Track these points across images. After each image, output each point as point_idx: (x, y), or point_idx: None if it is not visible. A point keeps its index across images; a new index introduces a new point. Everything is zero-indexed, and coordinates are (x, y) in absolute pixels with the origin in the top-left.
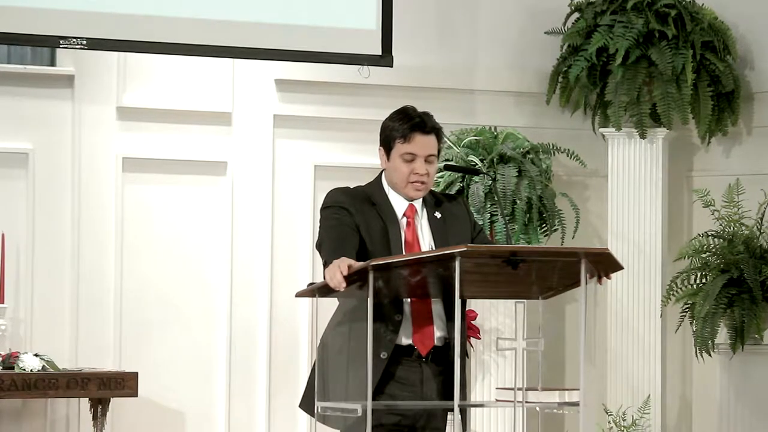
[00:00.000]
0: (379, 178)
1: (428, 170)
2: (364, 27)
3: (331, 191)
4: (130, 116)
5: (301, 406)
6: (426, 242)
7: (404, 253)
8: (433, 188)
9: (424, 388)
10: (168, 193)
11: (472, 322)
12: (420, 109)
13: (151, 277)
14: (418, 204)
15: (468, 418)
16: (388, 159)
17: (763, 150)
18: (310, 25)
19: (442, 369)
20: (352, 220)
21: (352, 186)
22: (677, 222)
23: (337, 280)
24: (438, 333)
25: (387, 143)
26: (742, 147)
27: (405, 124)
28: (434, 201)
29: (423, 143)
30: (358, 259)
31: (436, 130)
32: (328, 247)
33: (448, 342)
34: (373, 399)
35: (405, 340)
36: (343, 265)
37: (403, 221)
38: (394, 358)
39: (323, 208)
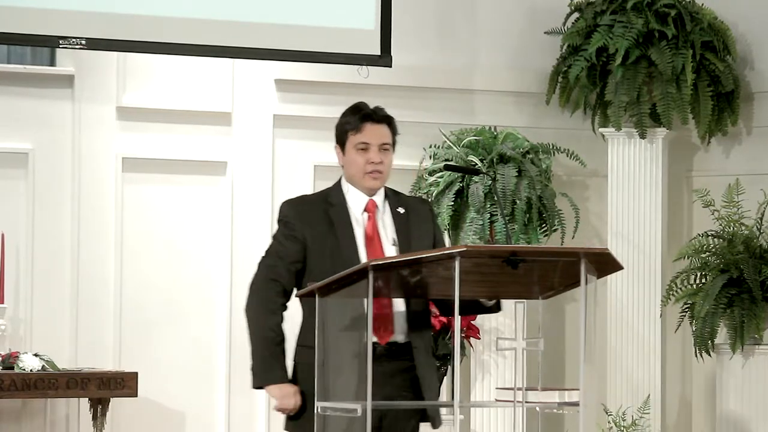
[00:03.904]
0: (339, 178)
1: (383, 159)
2: (363, 27)
3: (281, 204)
4: (130, 116)
5: (287, 427)
6: (389, 237)
7: (363, 249)
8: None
9: (386, 385)
10: (168, 193)
11: (471, 322)
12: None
13: (151, 277)
14: (379, 199)
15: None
16: (343, 154)
17: (762, 150)
18: (310, 25)
19: (407, 367)
20: (294, 237)
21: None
22: (677, 222)
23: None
24: (398, 330)
25: (341, 139)
26: (741, 147)
27: (355, 116)
28: (397, 198)
29: (375, 132)
30: (302, 268)
31: (387, 120)
32: (256, 287)
33: (409, 342)
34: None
35: (369, 335)
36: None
37: (364, 216)
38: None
39: (277, 221)
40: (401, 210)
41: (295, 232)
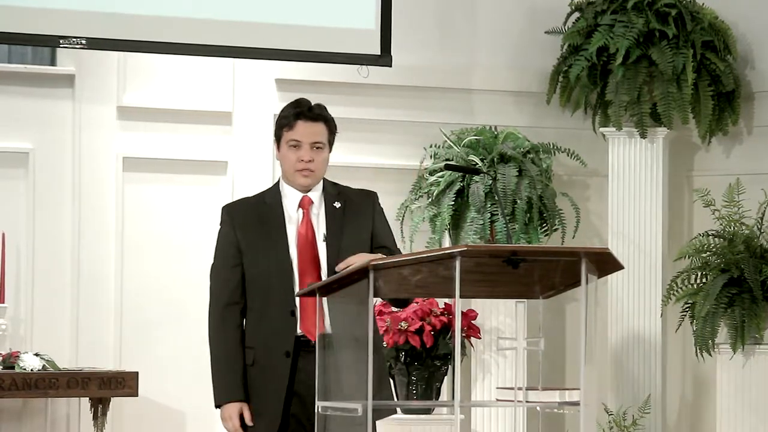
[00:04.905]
0: (279, 177)
1: (314, 157)
2: (363, 27)
3: (221, 208)
4: (130, 116)
5: None
6: (321, 233)
7: (294, 247)
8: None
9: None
10: (168, 192)
11: (472, 321)
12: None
13: (152, 276)
14: (316, 195)
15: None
16: (278, 149)
17: (763, 149)
18: (310, 24)
19: None
20: (230, 241)
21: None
22: (677, 222)
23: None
24: (328, 325)
25: (277, 134)
26: (742, 146)
27: (290, 112)
28: (336, 192)
29: (307, 130)
30: (242, 272)
31: (323, 118)
32: (213, 296)
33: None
34: (286, 394)
35: (299, 331)
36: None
37: (299, 213)
38: (297, 351)
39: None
40: (337, 204)
41: (229, 236)
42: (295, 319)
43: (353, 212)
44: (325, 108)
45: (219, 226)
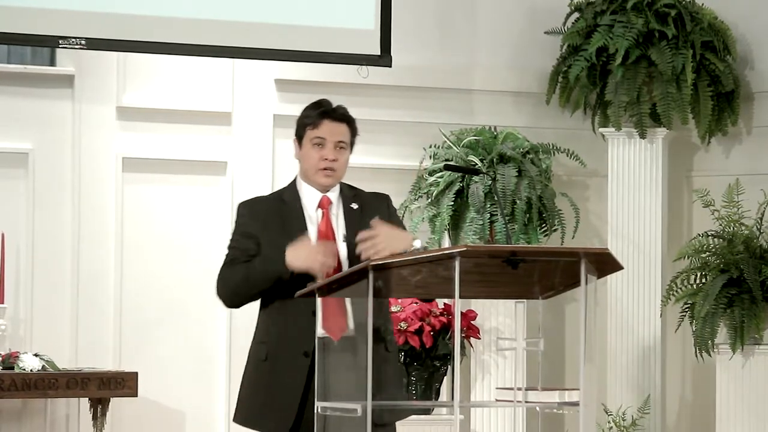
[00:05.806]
0: (295, 176)
1: (338, 157)
2: (363, 27)
3: (237, 205)
4: (130, 116)
5: (235, 419)
6: (340, 233)
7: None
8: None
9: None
10: (168, 193)
11: (472, 322)
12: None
13: (151, 277)
14: (334, 196)
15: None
16: (300, 148)
17: (762, 150)
18: (310, 25)
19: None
20: (249, 234)
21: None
22: (677, 222)
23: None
24: (351, 325)
25: (299, 133)
26: (742, 147)
27: (315, 111)
28: (353, 194)
29: (332, 129)
30: None
31: (346, 119)
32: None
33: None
34: (304, 393)
35: (320, 332)
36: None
37: (318, 213)
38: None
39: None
40: (354, 206)
41: (249, 228)
42: (316, 318)
43: (370, 214)
44: (345, 108)
45: (236, 221)
